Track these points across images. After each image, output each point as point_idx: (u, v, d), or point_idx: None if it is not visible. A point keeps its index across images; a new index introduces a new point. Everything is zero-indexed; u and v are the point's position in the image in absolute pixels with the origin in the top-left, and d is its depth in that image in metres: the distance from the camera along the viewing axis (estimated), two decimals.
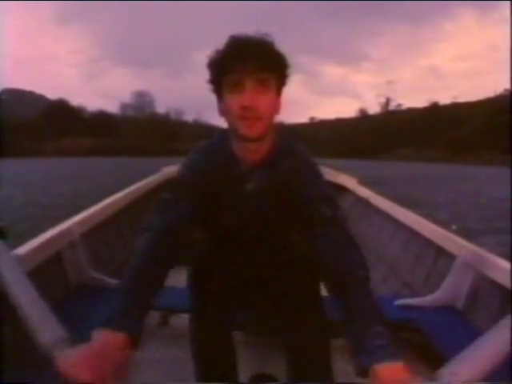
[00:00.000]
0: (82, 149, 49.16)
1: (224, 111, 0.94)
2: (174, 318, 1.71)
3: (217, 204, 1.01)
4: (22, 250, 1.31)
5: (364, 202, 2.72)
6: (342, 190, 3.54)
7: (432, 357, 1.41)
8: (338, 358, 1.08)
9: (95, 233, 1.87)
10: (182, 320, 1.67)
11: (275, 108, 0.94)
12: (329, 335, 1.07)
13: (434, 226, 1.90)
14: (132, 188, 2.50)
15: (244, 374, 1.11)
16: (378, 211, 2.51)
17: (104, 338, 0.71)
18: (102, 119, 62.00)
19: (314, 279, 1.15)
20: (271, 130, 0.95)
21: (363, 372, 0.75)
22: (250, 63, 0.86)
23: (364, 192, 2.93)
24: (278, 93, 0.95)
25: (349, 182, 3.51)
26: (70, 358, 0.69)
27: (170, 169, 3.73)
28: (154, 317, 1.71)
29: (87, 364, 0.66)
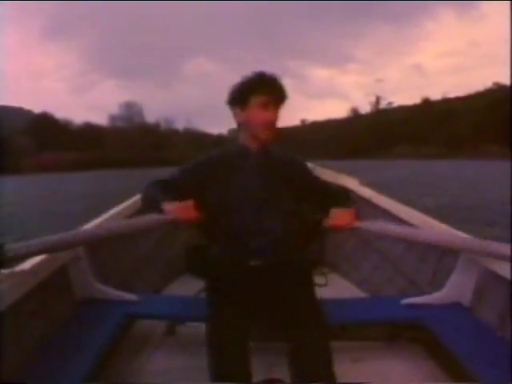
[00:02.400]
0: (65, 163, 47.43)
1: (246, 120, 1.38)
2: (181, 328, 1.73)
3: (226, 176, 1.41)
4: (27, 264, 1.33)
5: (366, 202, 2.75)
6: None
7: (440, 354, 1.45)
8: (336, 360, 1.11)
9: (99, 246, 1.88)
10: (189, 329, 1.71)
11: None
12: (329, 338, 1.15)
13: (437, 224, 1.91)
14: (135, 198, 2.52)
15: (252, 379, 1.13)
16: (380, 211, 2.52)
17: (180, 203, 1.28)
18: (88, 132, 61.45)
19: (310, 284, 1.33)
20: None
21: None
22: (275, 92, 1.36)
23: (366, 192, 2.96)
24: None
25: (350, 182, 3.54)
26: (172, 208, 1.27)
27: None
28: (160, 326, 1.74)
29: (184, 209, 1.27)
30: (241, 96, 1.37)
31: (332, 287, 1.29)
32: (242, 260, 1.35)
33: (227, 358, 1.11)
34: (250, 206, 1.39)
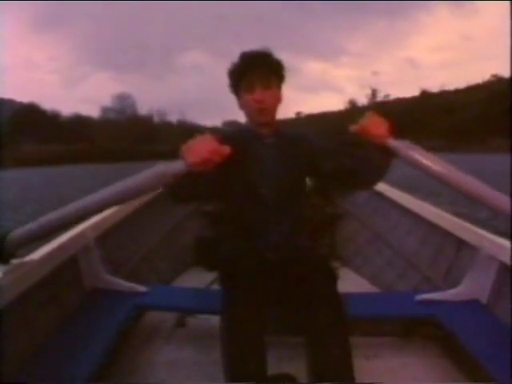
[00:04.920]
0: (47, 156, 44.80)
1: (243, 106, 1.36)
2: (191, 320, 1.75)
3: (243, 158, 1.30)
4: (37, 254, 1.35)
5: (379, 196, 2.74)
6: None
7: (456, 353, 1.45)
8: (354, 355, 1.10)
9: (109, 236, 1.91)
10: (199, 321, 1.73)
11: (278, 99, 1.36)
12: (348, 333, 1.13)
13: (454, 218, 1.91)
14: None
15: None
16: (394, 205, 2.53)
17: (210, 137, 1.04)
18: (77, 123, 60.81)
19: (331, 277, 1.27)
20: (275, 119, 1.38)
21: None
22: (257, 71, 1.30)
23: (378, 186, 2.97)
24: (279, 88, 1.36)
25: None
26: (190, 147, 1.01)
27: None
28: (170, 318, 1.76)
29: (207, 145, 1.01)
30: (233, 83, 1.36)
31: (343, 282, 1.29)
32: (258, 253, 1.32)
33: (244, 354, 1.09)
34: (265, 196, 1.33)
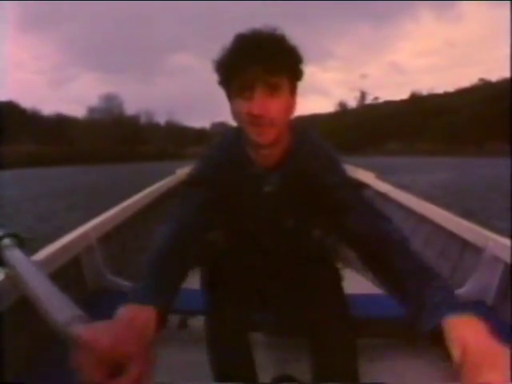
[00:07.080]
0: (21, 157, 43.08)
1: (234, 114, 0.90)
2: (194, 321, 1.76)
3: (234, 203, 1.02)
4: (40, 255, 1.35)
5: (383, 197, 2.76)
6: (359, 185, 3.57)
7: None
8: (359, 357, 1.10)
9: (112, 237, 1.93)
10: (202, 322, 1.74)
11: (290, 110, 0.90)
12: (354, 334, 1.12)
13: (458, 219, 1.92)
14: (147, 191, 2.56)
15: (266, 375, 1.15)
16: (398, 205, 2.56)
17: (130, 313, 0.68)
18: (58, 123, 59.74)
19: (336, 277, 1.26)
20: (285, 133, 0.93)
21: (429, 334, 0.72)
22: (259, 66, 0.82)
23: (383, 186, 2.99)
24: (292, 92, 0.90)
25: (366, 176, 3.59)
26: (88, 333, 0.57)
27: (185, 171, 3.79)
28: (172, 319, 1.76)
29: (111, 339, 0.55)
30: (221, 79, 0.90)
31: (346, 283, 1.31)
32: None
33: (227, 358, 1.08)
34: (264, 244, 1.14)
